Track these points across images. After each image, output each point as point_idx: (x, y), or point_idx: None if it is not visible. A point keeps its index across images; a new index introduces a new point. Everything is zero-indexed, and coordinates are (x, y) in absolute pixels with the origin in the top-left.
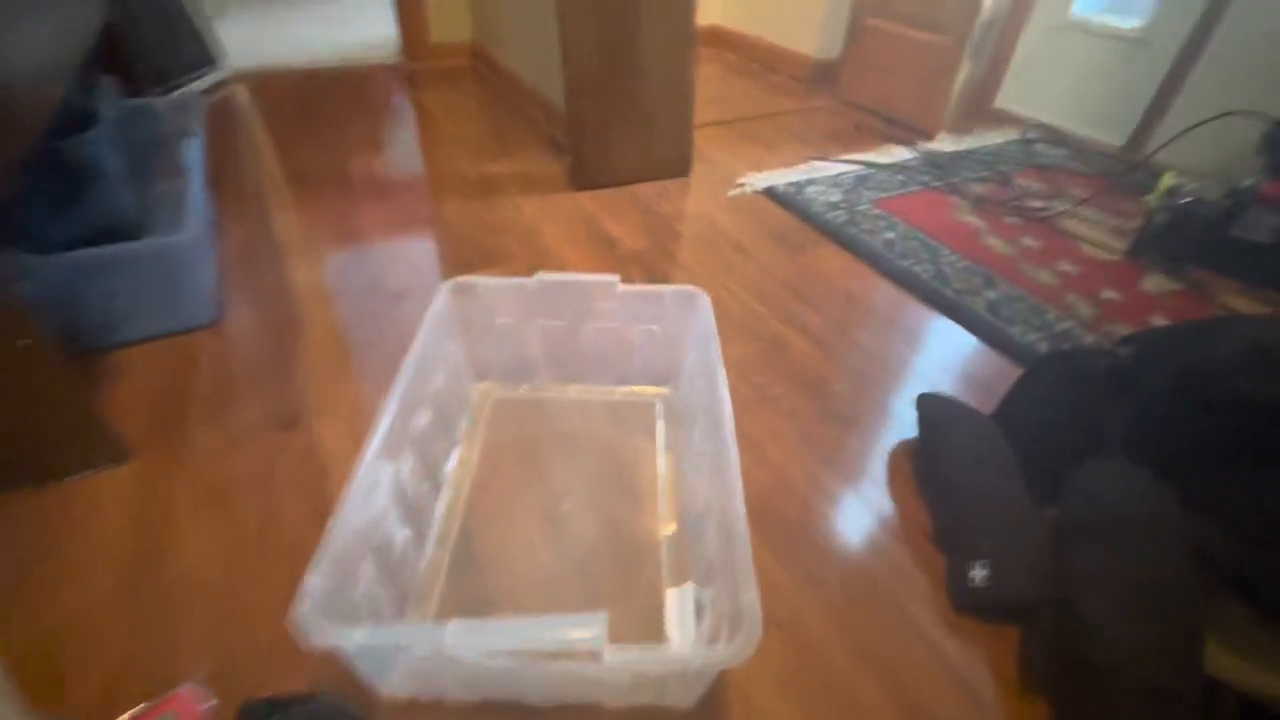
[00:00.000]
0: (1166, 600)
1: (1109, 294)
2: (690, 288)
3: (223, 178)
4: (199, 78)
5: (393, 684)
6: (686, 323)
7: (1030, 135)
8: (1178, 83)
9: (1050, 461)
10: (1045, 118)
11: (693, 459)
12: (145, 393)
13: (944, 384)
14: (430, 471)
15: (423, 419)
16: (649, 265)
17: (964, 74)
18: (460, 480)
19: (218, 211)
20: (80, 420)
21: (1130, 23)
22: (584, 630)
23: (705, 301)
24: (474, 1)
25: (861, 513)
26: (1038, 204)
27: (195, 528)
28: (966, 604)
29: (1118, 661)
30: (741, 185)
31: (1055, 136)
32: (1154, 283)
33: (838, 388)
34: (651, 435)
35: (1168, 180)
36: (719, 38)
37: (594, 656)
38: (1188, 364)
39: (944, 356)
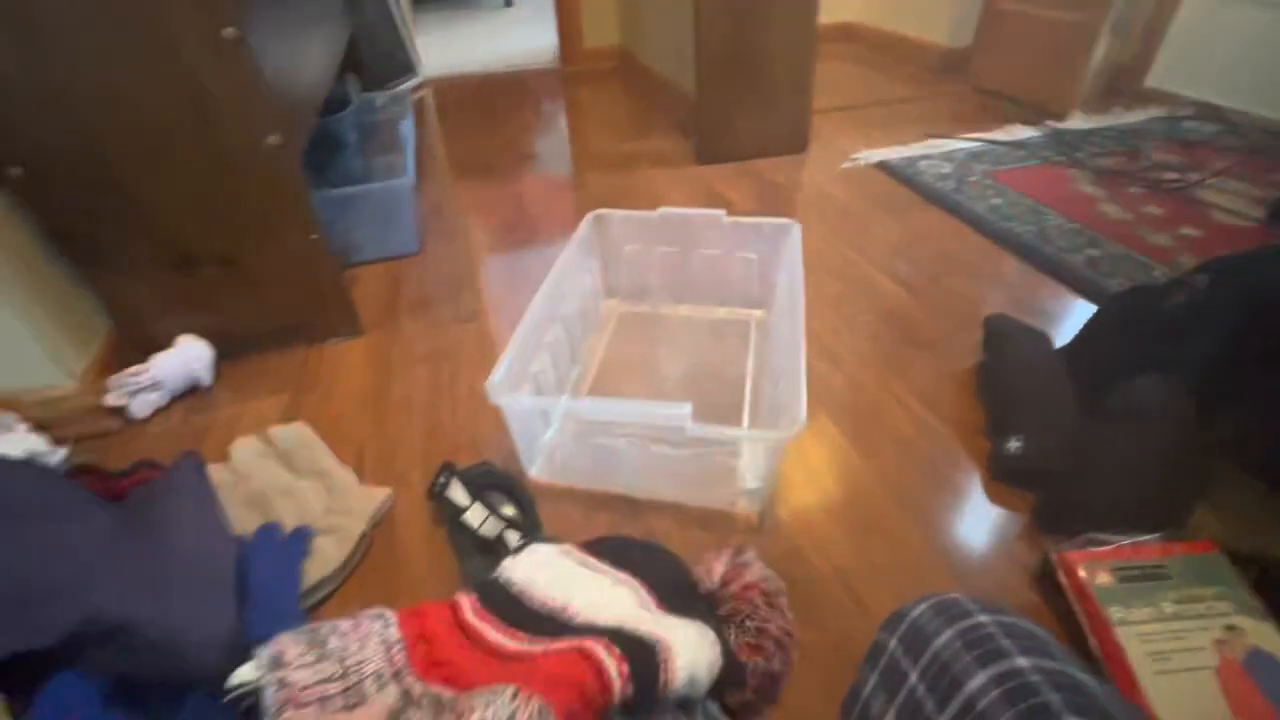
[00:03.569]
0: (1148, 472)
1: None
2: (785, 220)
3: (421, 155)
4: (405, 81)
5: (538, 468)
6: (779, 250)
7: (1181, 113)
8: None
9: (1108, 384)
10: (1203, 95)
11: (773, 347)
12: (372, 295)
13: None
14: (572, 346)
15: (571, 305)
16: None
17: (1101, 51)
18: (590, 361)
19: (418, 177)
20: (340, 302)
21: None
22: (675, 410)
23: (797, 230)
24: (621, 10)
25: (922, 410)
26: (1170, 176)
27: (407, 377)
28: (1001, 469)
29: (1095, 504)
30: (855, 159)
31: (1211, 113)
32: None
33: (919, 320)
34: (745, 347)
35: None
36: (851, 33)
37: (679, 431)
38: (1255, 283)
39: (1032, 302)
